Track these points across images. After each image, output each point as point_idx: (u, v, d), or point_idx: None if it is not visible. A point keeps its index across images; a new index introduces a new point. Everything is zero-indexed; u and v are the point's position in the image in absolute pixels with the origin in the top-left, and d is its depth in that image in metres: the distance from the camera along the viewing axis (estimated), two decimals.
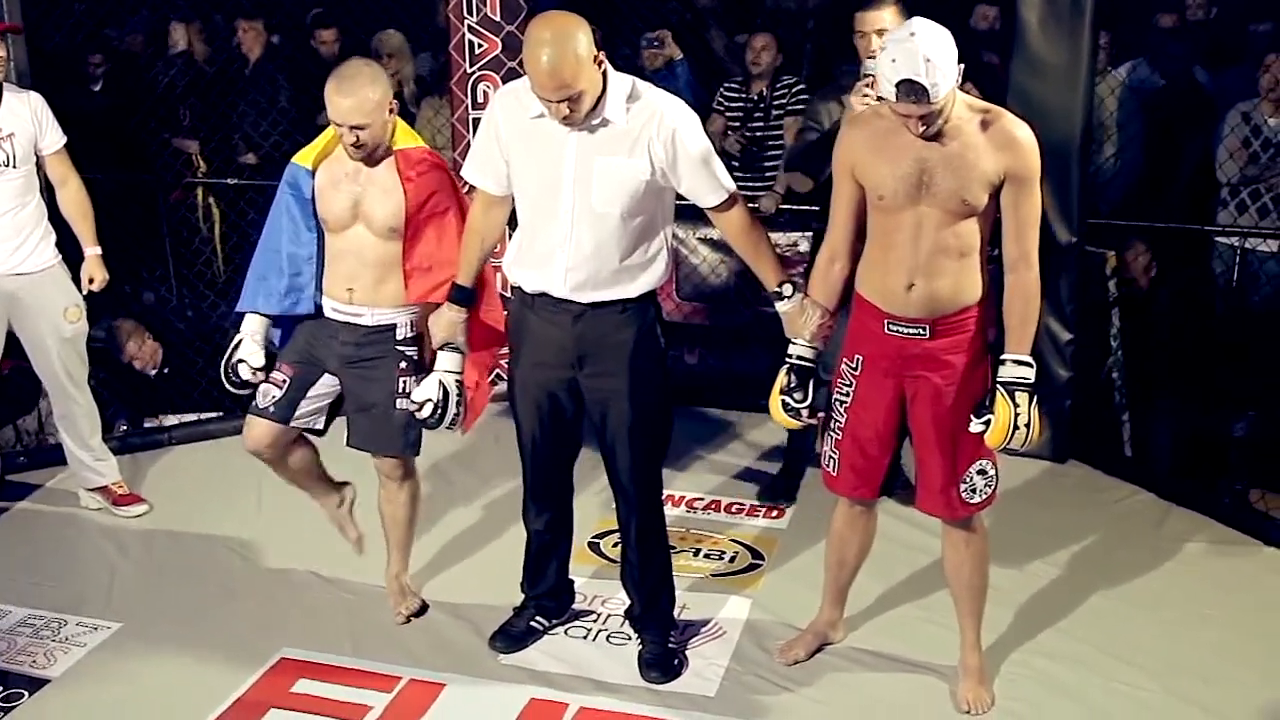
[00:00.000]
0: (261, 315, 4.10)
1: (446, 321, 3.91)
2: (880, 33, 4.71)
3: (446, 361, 3.94)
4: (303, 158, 4.02)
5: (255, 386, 4.12)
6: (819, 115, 4.85)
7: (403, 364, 4.06)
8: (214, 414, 5.95)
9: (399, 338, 4.05)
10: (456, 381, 3.95)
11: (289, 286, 4.05)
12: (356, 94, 3.78)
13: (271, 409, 4.12)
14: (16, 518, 5.14)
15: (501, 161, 3.72)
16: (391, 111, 3.87)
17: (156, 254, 6.90)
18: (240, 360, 4.08)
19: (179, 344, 6.39)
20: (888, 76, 3.28)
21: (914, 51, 3.23)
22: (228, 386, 4.16)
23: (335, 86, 3.80)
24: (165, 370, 6.25)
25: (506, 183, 3.75)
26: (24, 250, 4.76)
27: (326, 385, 4.12)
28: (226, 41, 7.19)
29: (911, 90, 3.25)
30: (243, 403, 4.23)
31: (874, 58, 4.55)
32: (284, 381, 4.10)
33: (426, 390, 3.93)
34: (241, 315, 4.14)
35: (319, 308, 4.09)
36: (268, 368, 4.10)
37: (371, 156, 3.89)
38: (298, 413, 4.12)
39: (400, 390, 4.06)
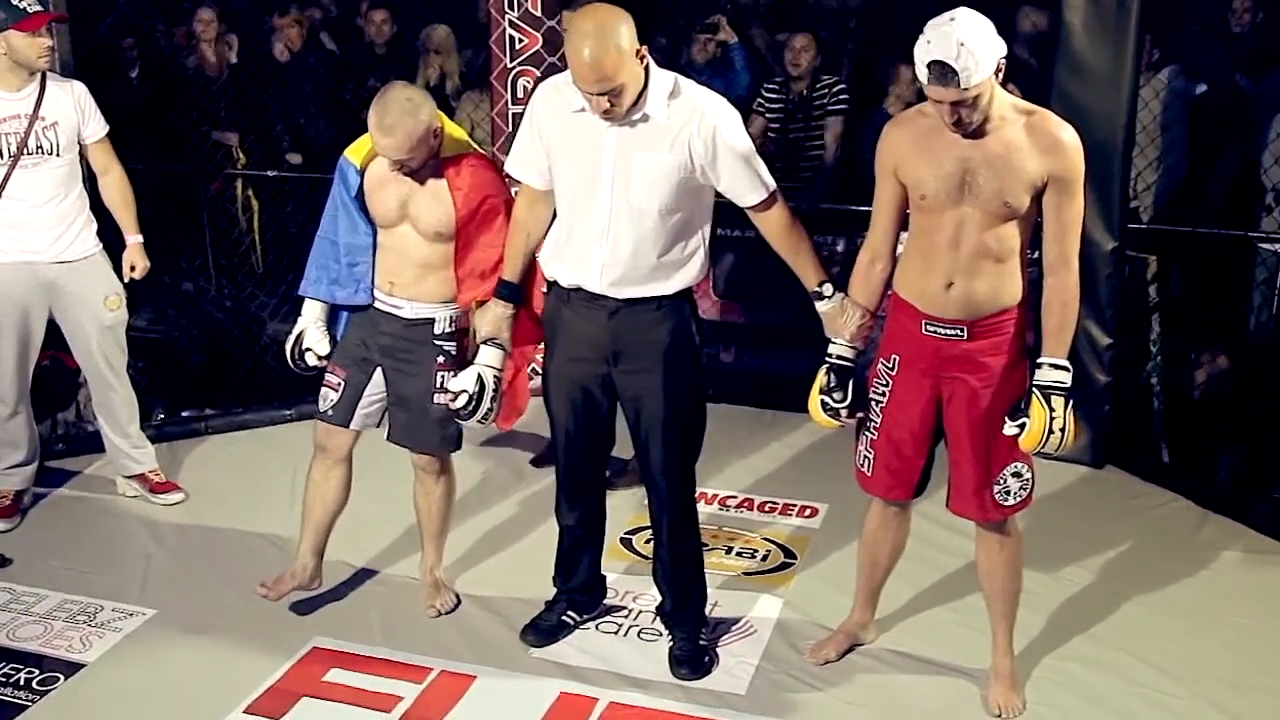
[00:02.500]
0: (321, 302, 4.14)
1: (493, 317, 3.91)
2: None
3: (488, 356, 3.94)
4: (354, 152, 4.02)
5: (320, 371, 4.18)
6: None
7: (440, 359, 4.07)
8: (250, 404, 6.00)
9: (436, 332, 4.06)
10: (495, 377, 3.95)
11: (347, 276, 4.07)
12: (396, 133, 3.75)
13: (331, 413, 4.18)
14: (54, 504, 5.18)
15: (543, 156, 3.72)
16: (436, 137, 3.84)
17: (196, 245, 6.95)
18: (308, 349, 4.14)
19: (216, 334, 6.43)
20: (920, 58, 3.27)
21: (949, 35, 3.22)
22: (294, 369, 4.22)
23: (376, 123, 3.77)
24: (196, 360, 6.28)
25: (550, 177, 3.76)
26: (66, 238, 4.79)
27: (380, 385, 4.16)
28: (263, 37, 7.24)
29: (942, 73, 3.23)
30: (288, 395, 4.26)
31: None
32: (339, 385, 4.16)
33: (464, 381, 3.94)
34: (300, 299, 4.20)
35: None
36: (332, 354, 4.16)
37: (418, 173, 3.90)
38: (357, 413, 4.17)
39: (438, 385, 4.07)
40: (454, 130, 3.99)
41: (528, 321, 4.03)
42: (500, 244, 3.95)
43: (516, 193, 3.92)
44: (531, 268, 3.97)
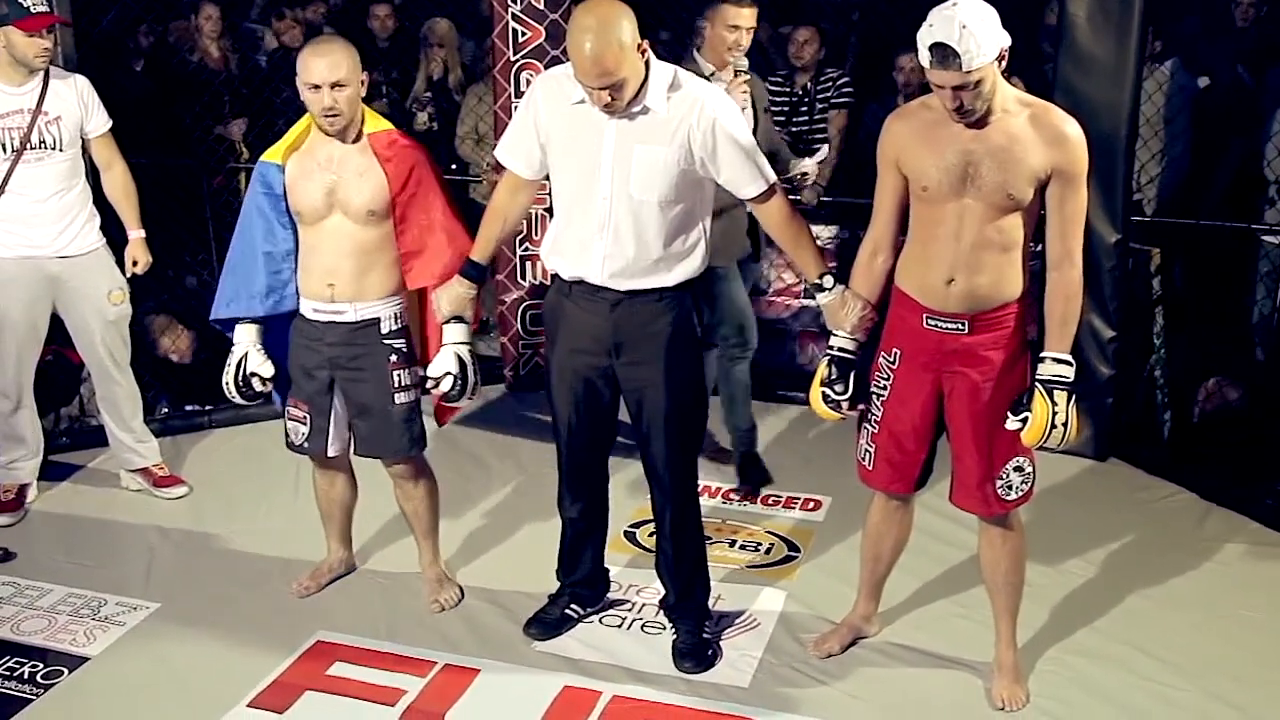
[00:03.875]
0: (254, 323, 4.08)
1: (455, 295, 3.92)
2: (751, 30, 4.76)
3: (456, 333, 3.96)
4: (271, 154, 4.02)
5: (268, 395, 4.16)
6: None
7: (392, 358, 4.06)
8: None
9: (384, 332, 4.05)
10: (470, 351, 3.97)
11: (269, 286, 4.03)
12: (332, 54, 3.83)
13: (307, 445, 4.19)
14: (58, 498, 5.19)
15: (536, 146, 3.72)
16: (363, 84, 3.90)
17: (199, 239, 6.94)
18: (253, 374, 4.07)
19: (220, 329, 6.41)
20: (924, 41, 3.29)
21: (951, 18, 3.24)
22: (239, 400, 4.14)
23: (310, 50, 3.86)
24: (203, 357, 6.26)
25: (538, 167, 3.77)
26: (69, 233, 4.79)
27: (343, 406, 4.16)
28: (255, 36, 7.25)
29: (944, 55, 3.24)
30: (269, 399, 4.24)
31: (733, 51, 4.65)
32: (305, 417, 4.16)
33: (443, 364, 3.95)
34: (224, 323, 4.14)
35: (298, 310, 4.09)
36: (276, 376, 4.11)
37: (345, 134, 3.91)
38: (331, 436, 4.17)
39: (394, 385, 4.07)
40: (374, 116, 4.02)
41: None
42: (436, 216, 3.98)
43: (498, 179, 3.92)
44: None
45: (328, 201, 3.94)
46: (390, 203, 3.93)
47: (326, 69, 3.81)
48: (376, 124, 3.99)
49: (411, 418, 4.12)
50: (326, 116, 3.86)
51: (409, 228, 3.97)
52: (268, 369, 4.09)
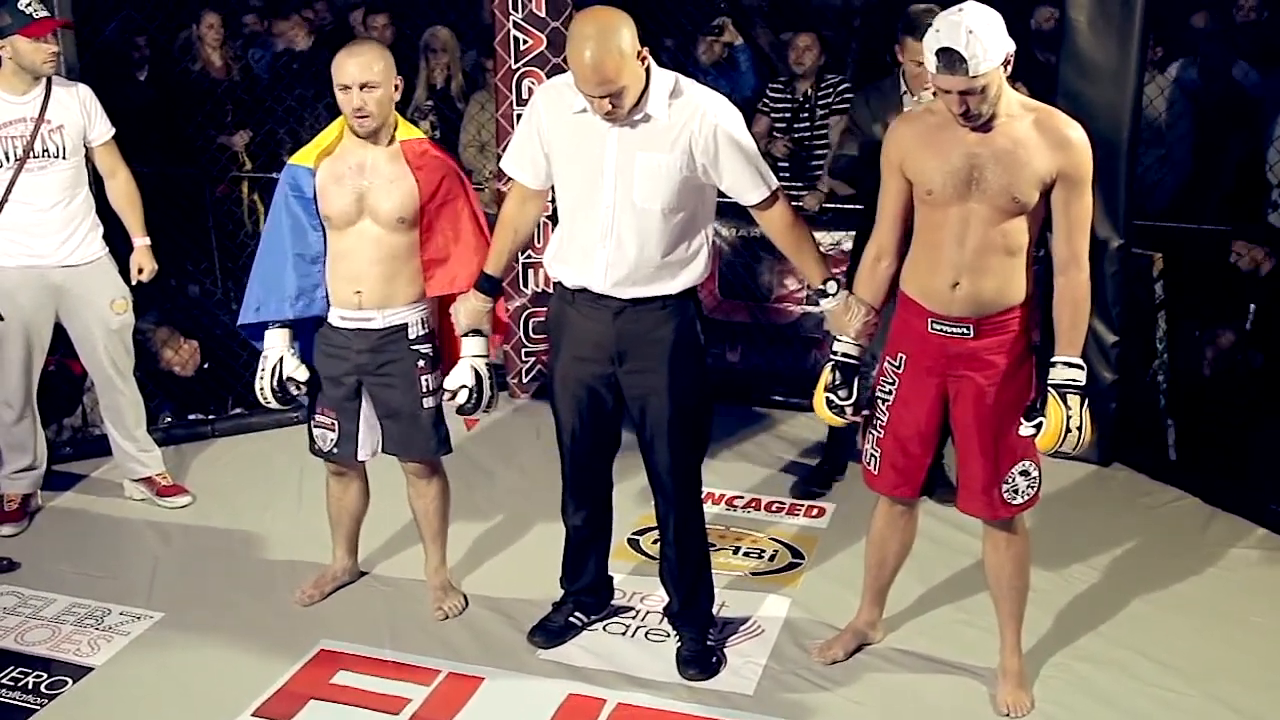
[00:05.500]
0: (286, 328, 4.08)
1: (471, 310, 3.93)
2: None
3: (473, 347, 3.97)
4: (302, 157, 4.02)
5: (299, 399, 4.15)
6: (863, 119, 4.82)
7: (420, 363, 4.08)
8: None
9: (411, 337, 4.06)
10: (487, 365, 3.98)
11: (299, 290, 4.04)
12: (365, 55, 3.85)
13: (336, 452, 4.20)
14: (61, 508, 5.19)
15: (541, 155, 3.73)
16: (397, 88, 3.92)
17: (202, 247, 6.95)
18: (289, 378, 4.07)
19: (223, 337, 6.42)
20: (930, 47, 3.29)
21: (958, 23, 3.25)
22: (274, 404, 4.13)
23: (345, 52, 3.88)
24: (205, 366, 6.27)
25: (544, 177, 3.77)
26: (72, 242, 4.79)
27: (370, 406, 4.16)
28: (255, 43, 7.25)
29: (950, 60, 3.25)
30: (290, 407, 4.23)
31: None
32: (333, 423, 4.16)
33: (459, 378, 3.97)
34: (251, 328, 4.14)
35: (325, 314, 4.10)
36: (311, 379, 4.12)
37: (376, 136, 3.92)
38: (360, 441, 4.18)
39: (423, 390, 4.08)
40: (406, 124, 4.04)
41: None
42: (463, 227, 3.99)
43: (508, 187, 3.92)
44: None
45: (358, 207, 3.95)
46: (419, 211, 3.95)
47: (357, 70, 3.83)
48: (409, 132, 4.01)
49: (439, 420, 4.14)
50: (357, 117, 3.88)
51: (434, 236, 3.98)
52: (303, 373, 4.09)
